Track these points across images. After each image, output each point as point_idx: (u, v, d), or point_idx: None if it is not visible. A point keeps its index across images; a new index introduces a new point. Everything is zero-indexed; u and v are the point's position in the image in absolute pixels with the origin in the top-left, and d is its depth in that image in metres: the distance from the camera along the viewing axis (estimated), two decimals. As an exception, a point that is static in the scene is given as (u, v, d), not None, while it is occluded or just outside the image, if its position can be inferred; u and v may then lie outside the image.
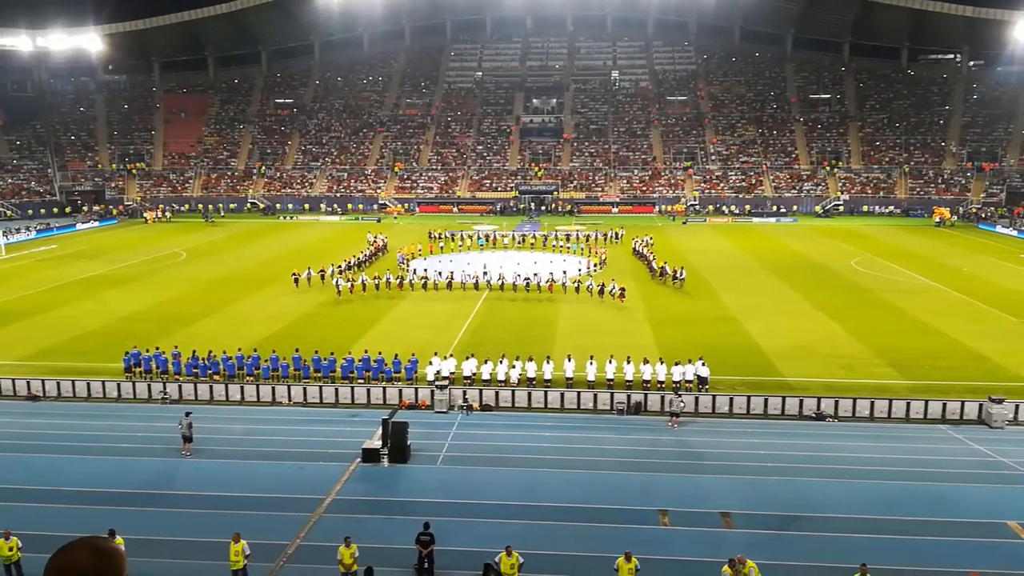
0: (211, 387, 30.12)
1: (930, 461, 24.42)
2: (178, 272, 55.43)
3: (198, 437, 24.89)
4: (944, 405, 27.97)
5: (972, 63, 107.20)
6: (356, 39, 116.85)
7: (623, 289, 44.29)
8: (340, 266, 52.51)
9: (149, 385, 30.35)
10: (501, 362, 30.56)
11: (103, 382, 30.51)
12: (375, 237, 63.87)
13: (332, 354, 31.74)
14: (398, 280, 48.18)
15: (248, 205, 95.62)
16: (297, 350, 31.72)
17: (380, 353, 31.39)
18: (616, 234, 70.05)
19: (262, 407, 29.41)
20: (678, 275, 49.05)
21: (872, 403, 28.25)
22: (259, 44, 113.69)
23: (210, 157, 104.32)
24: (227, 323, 40.63)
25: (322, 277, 49.32)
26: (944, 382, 29.41)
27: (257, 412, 28.93)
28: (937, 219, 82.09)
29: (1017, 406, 27.62)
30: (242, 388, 30.04)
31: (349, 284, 47.11)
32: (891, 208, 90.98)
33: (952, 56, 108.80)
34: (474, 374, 30.32)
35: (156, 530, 19.69)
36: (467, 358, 30.99)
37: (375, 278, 48.06)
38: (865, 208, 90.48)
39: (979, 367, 32.58)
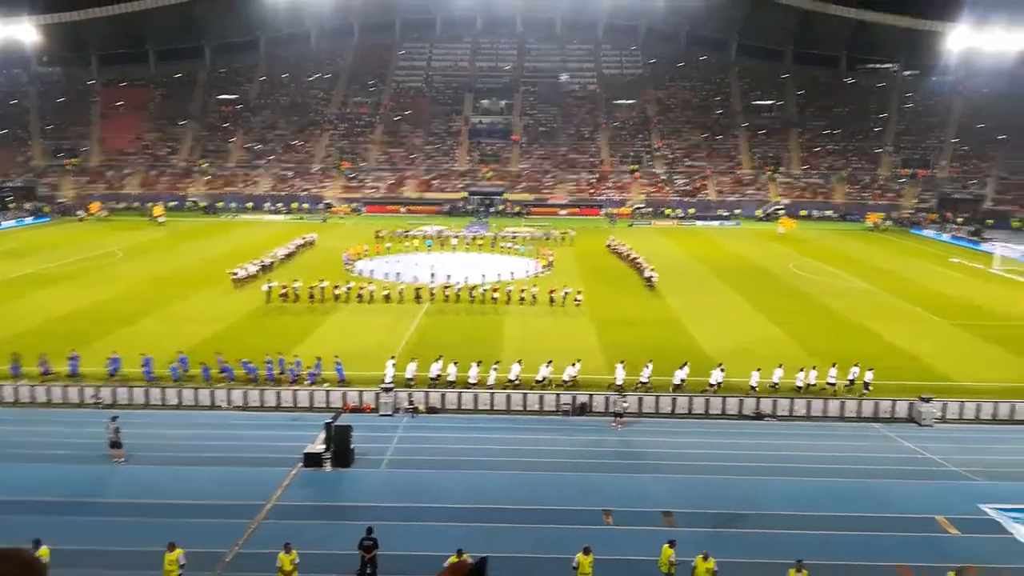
0: (147, 391, 29.26)
1: (863, 458, 25.17)
2: (116, 271, 53.79)
3: (132, 443, 24.18)
4: (876, 404, 28.89)
5: (907, 72, 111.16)
6: (303, 35, 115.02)
7: (580, 293, 44.51)
8: (260, 263, 51.93)
9: (81, 389, 29.33)
10: (453, 365, 30.51)
11: (31, 386, 29.40)
12: (304, 238, 63.96)
13: (279, 356, 31.19)
14: (334, 291, 44.76)
15: (189, 203, 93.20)
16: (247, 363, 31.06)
17: (319, 358, 31.02)
18: (562, 236, 70.59)
19: (201, 411, 28.70)
20: (650, 278, 50.07)
21: (809, 403, 29.00)
22: (203, 38, 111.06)
23: (149, 153, 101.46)
24: (168, 323, 39.59)
25: (252, 276, 49.19)
26: (877, 382, 30.33)
27: (195, 416, 28.22)
28: (870, 224, 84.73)
29: (945, 404, 28.66)
30: (179, 392, 29.26)
31: (282, 290, 44.28)
32: (829, 212, 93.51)
33: (889, 65, 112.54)
34: (439, 376, 30.20)
35: (86, 540, 19.07)
36: (437, 359, 30.81)
37: (311, 285, 45.18)
38: (804, 212, 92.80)
39: (910, 367, 33.70)
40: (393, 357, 31.28)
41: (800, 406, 28.90)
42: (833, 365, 30.83)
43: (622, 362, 30.84)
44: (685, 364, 30.55)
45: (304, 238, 64.52)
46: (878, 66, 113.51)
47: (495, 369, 30.43)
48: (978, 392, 30.31)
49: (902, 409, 28.71)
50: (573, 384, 30.22)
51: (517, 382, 30.22)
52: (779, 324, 41.06)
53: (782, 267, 58.55)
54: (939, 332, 40.23)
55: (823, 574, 17.28)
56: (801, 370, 30.74)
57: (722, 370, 30.15)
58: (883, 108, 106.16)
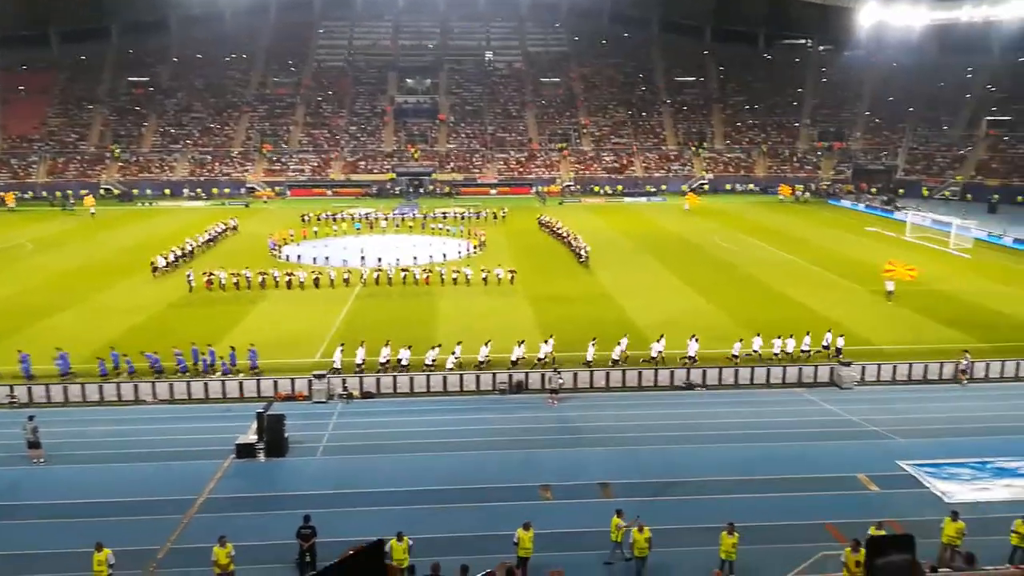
0: (66, 388, 28.02)
1: (788, 423, 26.14)
2: (27, 263, 51.17)
3: (53, 442, 23.17)
4: (800, 370, 29.97)
5: (822, 48, 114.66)
6: (216, 14, 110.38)
7: (513, 272, 44.54)
8: (180, 250, 50.49)
9: (-7, 389, 27.89)
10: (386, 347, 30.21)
11: (-61, 388, 27.81)
12: (225, 224, 62.27)
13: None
14: (260, 278, 43.84)
15: (102, 191, 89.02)
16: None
17: (232, 348, 30.41)
18: (496, 215, 70.68)
19: (124, 406, 27.68)
20: (581, 254, 50.84)
21: (736, 371, 29.87)
22: (108, 18, 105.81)
23: (56, 140, 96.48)
24: (86, 316, 37.97)
25: (169, 264, 47.82)
26: (802, 348, 31.48)
27: (119, 412, 27.20)
28: (781, 196, 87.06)
29: (864, 368, 29.97)
30: (101, 387, 28.11)
31: (206, 278, 43.14)
32: (751, 186, 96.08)
33: (804, 41, 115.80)
34: (388, 360, 29.88)
35: (7, 544, 18.22)
36: (385, 344, 30.39)
37: (234, 274, 43.97)
38: (728, 187, 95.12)
39: (832, 333, 35.01)
40: (342, 344, 30.70)
41: (728, 375, 29.74)
42: (807, 333, 31.97)
43: (551, 336, 31.02)
44: (623, 338, 31.21)
45: (225, 224, 62.72)
46: (794, 42, 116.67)
47: (435, 351, 30.27)
48: (894, 355, 31.73)
49: (824, 374, 29.87)
50: (546, 362, 30.25)
51: (487, 362, 30.03)
52: (706, 295, 42.11)
53: (707, 240, 59.92)
54: (857, 298, 41.93)
55: (753, 535, 17.86)
56: (779, 337, 31.68)
57: (664, 341, 30.98)
58: (800, 83, 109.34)
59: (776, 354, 31.37)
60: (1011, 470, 22.15)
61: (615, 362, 30.35)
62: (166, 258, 48.30)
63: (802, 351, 31.54)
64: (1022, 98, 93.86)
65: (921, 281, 45.72)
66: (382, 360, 29.89)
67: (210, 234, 57.93)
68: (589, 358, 30.35)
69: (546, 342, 30.96)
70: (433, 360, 29.85)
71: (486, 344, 30.34)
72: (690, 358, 30.57)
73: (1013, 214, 73.61)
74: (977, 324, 36.50)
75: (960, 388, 29.48)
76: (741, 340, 31.46)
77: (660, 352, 30.63)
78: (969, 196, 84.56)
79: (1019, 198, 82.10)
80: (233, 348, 30.25)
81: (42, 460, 22.78)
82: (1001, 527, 17.54)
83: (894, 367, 30.24)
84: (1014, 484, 21.34)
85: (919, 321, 37.27)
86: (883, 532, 17.15)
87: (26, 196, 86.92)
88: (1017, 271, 49.23)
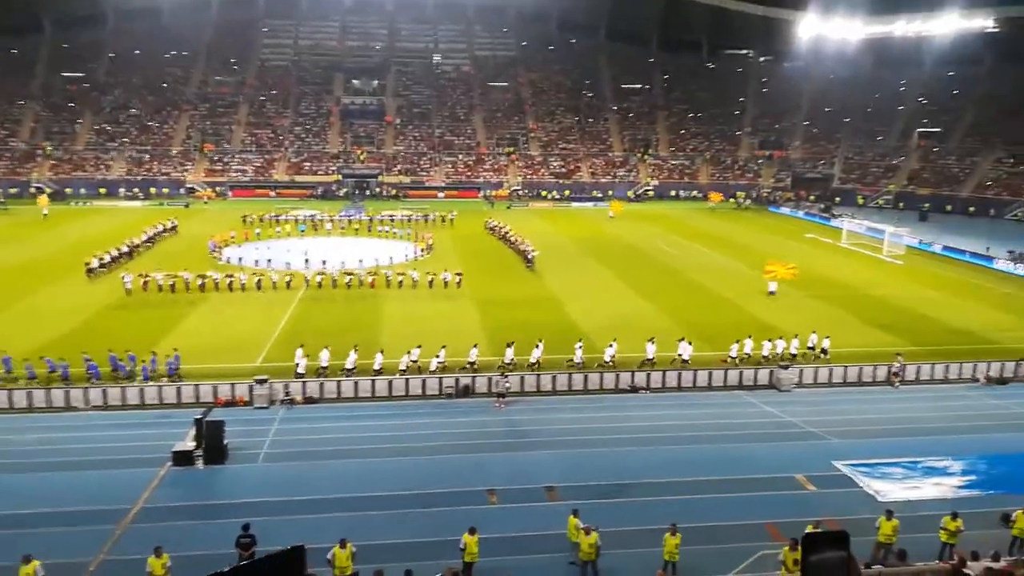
0: (-8, 394, 26.88)
1: (729, 424, 26.64)
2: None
3: (-23, 451, 22.17)
4: (740, 373, 30.58)
5: (763, 58, 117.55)
6: (154, 9, 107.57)
7: (459, 275, 44.32)
8: (116, 251, 49.03)
9: (-87, 396, 26.58)
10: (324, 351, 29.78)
11: None
12: (164, 225, 60.50)
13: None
14: (199, 280, 42.82)
15: (32, 189, 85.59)
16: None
17: (153, 353, 29.75)
18: (444, 218, 70.47)
19: (54, 412, 26.66)
20: (529, 255, 51.31)
21: (679, 374, 30.31)
22: (41, 11, 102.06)
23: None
24: (17, 319, 36.47)
25: (103, 264, 46.39)
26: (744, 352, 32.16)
27: (47, 419, 26.19)
28: (711, 204, 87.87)
29: (801, 371, 30.75)
30: (29, 393, 27.02)
31: (143, 280, 41.66)
32: (695, 192, 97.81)
33: (746, 52, 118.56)
34: (327, 366, 29.55)
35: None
36: (324, 348, 29.98)
37: (171, 276, 42.72)
38: (672, 193, 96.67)
39: (770, 337, 35.80)
40: (302, 345, 30.05)
41: (671, 378, 30.16)
42: (795, 336, 32.80)
43: (510, 344, 30.94)
44: (579, 342, 31.61)
45: (164, 224, 60.86)
46: (736, 52, 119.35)
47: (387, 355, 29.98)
48: (831, 358, 32.60)
49: (763, 376, 30.54)
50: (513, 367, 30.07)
51: (444, 365, 29.91)
52: (651, 299, 42.69)
53: (652, 245, 60.76)
54: (795, 303, 42.99)
55: (695, 535, 18.12)
56: (768, 340, 32.48)
57: (653, 343, 31.34)
58: (742, 93, 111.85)
59: (766, 356, 32.00)
60: (940, 469, 23.00)
61: (570, 364, 30.51)
62: (101, 259, 46.79)
63: (791, 353, 32.22)
64: (952, 111, 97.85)
65: (856, 286, 47.20)
66: (349, 365, 29.45)
67: (147, 235, 56.24)
68: (533, 360, 30.39)
69: (537, 347, 30.74)
70: (412, 363, 29.68)
71: (443, 348, 30.28)
72: (684, 360, 30.86)
73: (943, 223, 76.59)
74: (909, 328, 37.80)
75: (893, 390, 30.47)
76: (738, 342, 32.12)
77: (613, 356, 30.84)
78: (901, 205, 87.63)
79: (948, 207, 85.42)
80: (154, 353, 29.40)
81: (-35, 470, 21.79)
82: (930, 525, 18.17)
83: (830, 370, 31.12)
84: (943, 483, 22.17)
85: (854, 325, 38.41)
86: (820, 531, 17.63)
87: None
88: (946, 277, 51.19)
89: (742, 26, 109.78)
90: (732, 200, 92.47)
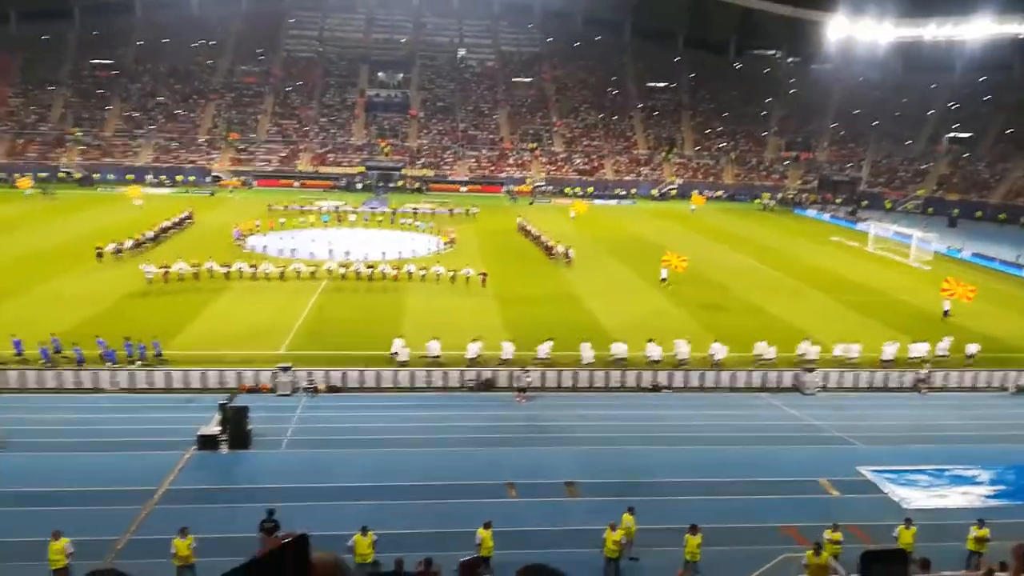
0: (22, 373, 27.27)
1: (752, 426, 26.49)
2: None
3: (7, 429, 22.52)
4: (764, 375, 30.36)
5: (791, 59, 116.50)
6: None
7: (484, 275, 43.75)
8: (138, 239, 49.28)
9: (-55, 373, 27.04)
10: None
11: None
12: (178, 218, 59.38)
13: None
14: (224, 269, 42.93)
15: (61, 174, 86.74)
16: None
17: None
18: (467, 211, 70.57)
19: (83, 394, 27.02)
20: (568, 255, 50.66)
21: (702, 375, 30.15)
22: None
23: (15, 120, 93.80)
24: (41, 303, 36.92)
25: (119, 251, 46.66)
26: (782, 354, 31.89)
27: (76, 400, 26.55)
28: (692, 206, 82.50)
29: (827, 374, 30.46)
30: (58, 374, 27.42)
31: (163, 271, 41.46)
32: (719, 193, 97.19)
33: (774, 52, 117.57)
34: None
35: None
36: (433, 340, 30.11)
37: (194, 265, 42.58)
38: (696, 192, 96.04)
39: (794, 339, 35.49)
40: (402, 336, 30.17)
41: (694, 378, 30.02)
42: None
43: (551, 339, 30.94)
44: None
45: (178, 217, 59.01)
46: (764, 52, 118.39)
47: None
48: (856, 362, 32.28)
49: (787, 379, 30.30)
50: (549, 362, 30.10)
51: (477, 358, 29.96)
52: (672, 299, 42.46)
53: (674, 244, 60.32)
54: (820, 306, 42.62)
55: (716, 537, 18.04)
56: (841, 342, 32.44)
57: (686, 344, 31.19)
58: (769, 93, 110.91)
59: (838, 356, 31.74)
60: (968, 478, 22.71)
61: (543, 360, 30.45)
62: (120, 245, 47.17)
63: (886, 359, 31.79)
64: (983, 116, 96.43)
65: (882, 291, 46.70)
66: (434, 353, 29.66)
67: (158, 230, 53.81)
68: (587, 359, 30.25)
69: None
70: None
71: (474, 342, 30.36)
72: (716, 361, 30.68)
73: (972, 229, 75.50)
74: (936, 335, 37.24)
75: (920, 397, 30.13)
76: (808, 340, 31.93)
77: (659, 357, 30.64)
78: (930, 210, 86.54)
79: (978, 213, 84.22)
80: (157, 340, 29.58)
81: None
82: (957, 534, 17.96)
83: (856, 374, 30.82)
84: (970, 492, 21.89)
85: (880, 329, 37.97)
86: (839, 535, 17.46)
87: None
88: (974, 284, 50.38)
89: (770, 26, 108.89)
90: (757, 201, 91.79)
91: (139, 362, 28.51)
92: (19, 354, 28.31)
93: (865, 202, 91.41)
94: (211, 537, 17.31)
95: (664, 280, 45.57)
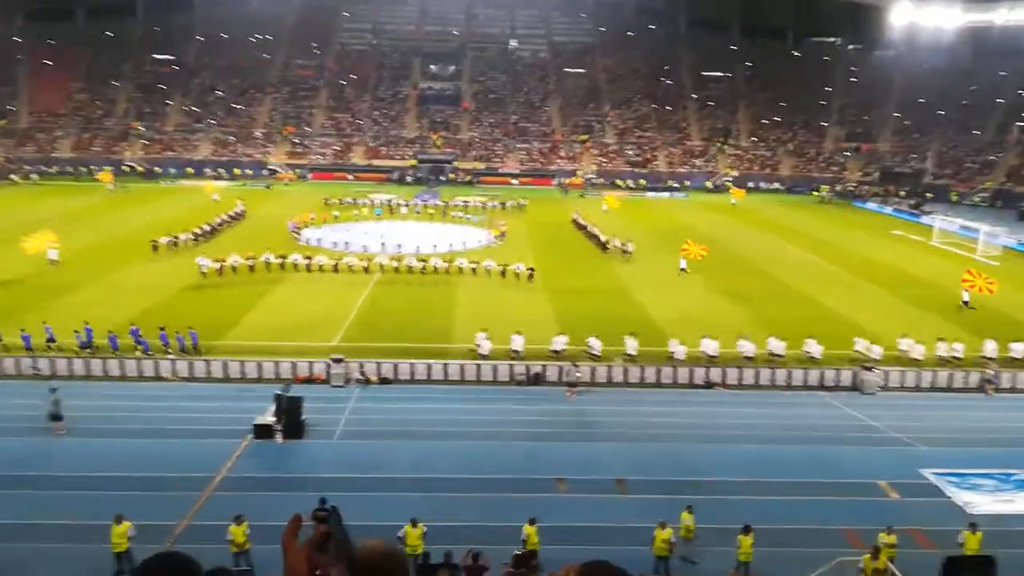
0: (87, 362, 28.26)
1: (809, 426, 25.86)
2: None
3: (74, 415, 23.35)
4: (822, 373, 29.60)
5: (852, 47, 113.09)
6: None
7: (531, 270, 43.73)
8: (195, 232, 50.44)
9: (17, 360, 28.15)
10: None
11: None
12: (231, 213, 59.93)
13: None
14: (279, 260, 43.84)
15: (125, 167, 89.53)
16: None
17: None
18: (519, 203, 70.53)
19: (144, 383, 27.87)
20: (627, 248, 50.17)
21: (757, 372, 29.56)
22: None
23: (82, 115, 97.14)
24: (105, 293, 38.17)
25: (176, 243, 47.95)
26: (829, 351, 31.07)
27: (138, 388, 27.39)
28: (733, 199, 79.55)
29: (887, 373, 29.54)
30: (121, 363, 28.30)
31: (217, 265, 42.04)
32: (776, 185, 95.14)
33: (834, 40, 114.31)
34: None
35: (27, 514, 18.40)
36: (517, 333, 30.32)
37: (249, 257, 43.26)
38: (751, 184, 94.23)
39: (853, 336, 34.57)
40: (485, 329, 30.34)
41: (749, 375, 29.45)
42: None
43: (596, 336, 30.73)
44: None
45: (230, 215, 59.51)
46: (823, 40, 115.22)
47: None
48: (919, 361, 31.24)
49: (846, 378, 29.49)
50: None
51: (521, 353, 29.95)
52: (726, 293, 41.74)
53: (729, 237, 59.36)
54: (880, 301, 41.40)
55: (770, 538, 17.68)
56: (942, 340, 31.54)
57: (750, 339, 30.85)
58: (828, 82, 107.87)
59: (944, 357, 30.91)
60: (1036, 483, 21.81)
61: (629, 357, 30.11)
62: (175, 239, 48.44)
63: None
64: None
65: (947, 287, 45.07)
66: (517, 348, 29.69)
67: (212, 225, 54.56)
68: (632, 352, 30.03)
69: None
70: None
71: (518, 334, 30.33)
72: (776, 355, 30.21)
73: (1043, 222, 72.38)
74: (1004, 334, 35.83)
75: (986, 398, 29.03)
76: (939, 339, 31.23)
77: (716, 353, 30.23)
78: (999, 203, 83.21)
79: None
80: (193, 330, 30.10)
81: (63, 432, 22.97)
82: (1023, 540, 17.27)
83: (918, 374, 29.81)
84: (1038, 497, 21.02)
85: (944, 327, 36.67)
86: (894, 538, 16.91)
87: (51, 171, 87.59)
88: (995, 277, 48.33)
89: (830, 13, 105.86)
90: (815, 193, 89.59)
91: (177, 352, 29.20)
92: (88, 343, 29.22)
93: (930, 194, 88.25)
94: (265, 524, 17.63)
95: (683, 270, 45.19)
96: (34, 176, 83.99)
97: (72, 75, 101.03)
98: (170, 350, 29.26)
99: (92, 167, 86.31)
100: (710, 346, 30.35)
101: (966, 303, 39.56)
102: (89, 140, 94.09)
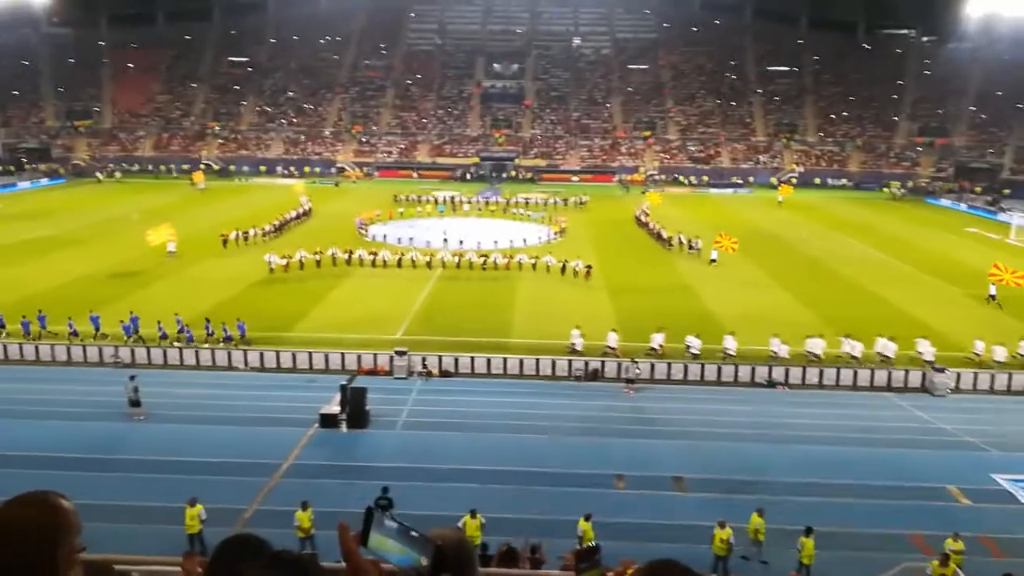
0: (164, 351, 29.63)
1: (875, 427, 25.26)
2: (129, 234, 53.80)
3: (151, 401, 24.54)
4: (889, 374, 28.85)
5: (925, 39, 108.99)
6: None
7: (589, 267, 43.62)
8: (265, 228, 51.95)
9: (100, 349, 29.70)
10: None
11: (52, 345, 29.78)
12: (298, 211, 60.91)
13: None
14: (345, 255, 44.98)
15: (202, 166, 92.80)
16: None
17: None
18: (580, 200, 70.48)
19: (217, 372, 29.04)
20: (693, 244, 49.94)
21: (821, 371, 29.02)
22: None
23: (162, 116, 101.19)
24: (181, 287, 39.81)
25: (246, 238, 49.62)
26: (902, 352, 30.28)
27: (211, 377, 28.58)
28: (780, 197, 76.46)
29: (959, 375, 28.61)
30: (196, 352, 29.58)
31: (284, 261, 43.05)
32: (844, 181, 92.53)
33: (906, 32, 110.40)
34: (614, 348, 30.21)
35: (106, 495, 19.37)
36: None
37: (316, 253, 44.43)
38: (818, 180, 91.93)
39: (923, 336, 33.55)
40: (578, 326, 30.81)
41: (812, 375, 28.94)
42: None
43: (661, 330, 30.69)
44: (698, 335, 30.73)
45: (297, 210, 60.90)
46: (895, 32, 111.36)
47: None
48: (992, 363, 30.16)
49: (915, 379, 28.69)
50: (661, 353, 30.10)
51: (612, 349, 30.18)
52: (791, 290, 41.00)
53: (794, 234, 58.14)
54: (951, 300, 40.04)
55: (833, 541, 17.43)
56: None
57: (778, 339, 30.25)
58: (900, 75, 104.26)
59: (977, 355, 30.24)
60: (1117, 491, 20.89)
61: (694, 356, 29.91)
62: (244, 234, 50.02)
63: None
64: None
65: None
66: (612, 344, 30.13)
67: (280, 221, 56.08)
68: (696, 351, 29.89)
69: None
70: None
71: (576, 328, 30.51)
72: (854, 358, 29.70)
73: None
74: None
75: (1064, 402, 27.87)
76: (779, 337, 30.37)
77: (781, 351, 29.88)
78: (1083, 200, 79.11)
79: None
80: (240, 320, 31.06)
81: (142, 418, 24.18)
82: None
83: (992, 376, 28.80)
84: (1119, 506, 20.13)
85: (1019, 329, 35.26)
86: (961, 544, 16.49)
87: (133, 168, 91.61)
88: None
89: (903, 4, 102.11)
90: (885, 189, 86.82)
91: (225, 343, 30.29)
92: (182, 330, 30.66)
93: (1007, 190, 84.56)
94: (330, 511, 18.28)
95: (714, 261, 46.00)
96: (117, 174, 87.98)
97: (153, 77, 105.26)
98: (216, 339, 30.40)
99: (171, 165, 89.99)
100: (818, 345, 29.97)
101: (992, 297, 38.55)
102: (168, 139, 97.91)
